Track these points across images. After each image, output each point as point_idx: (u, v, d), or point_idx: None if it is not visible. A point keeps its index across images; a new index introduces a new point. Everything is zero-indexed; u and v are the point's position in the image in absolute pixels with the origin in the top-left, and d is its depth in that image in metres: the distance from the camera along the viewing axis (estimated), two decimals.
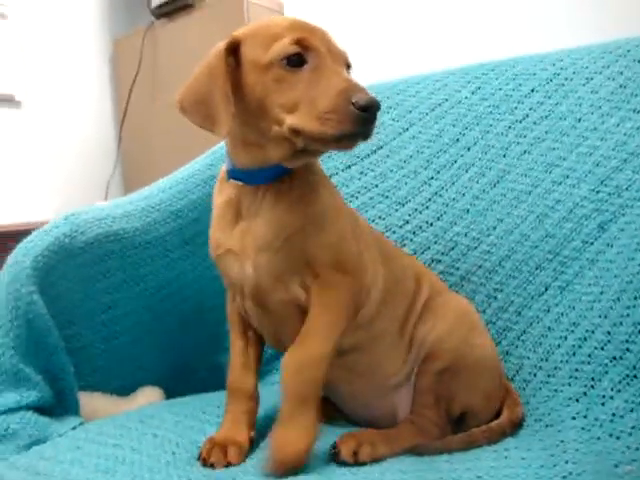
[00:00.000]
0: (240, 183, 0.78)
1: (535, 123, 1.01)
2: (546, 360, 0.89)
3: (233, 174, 0.78)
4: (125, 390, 1.04)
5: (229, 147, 0.78)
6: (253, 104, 0.72)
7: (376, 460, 0.74)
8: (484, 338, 0.86)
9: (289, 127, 0.68)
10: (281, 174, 0.76)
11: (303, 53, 0.69)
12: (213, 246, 0.82)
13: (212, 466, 0.73)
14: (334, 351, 0.74)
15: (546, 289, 0.92)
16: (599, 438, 0.74)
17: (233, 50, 0.74)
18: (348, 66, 0.74)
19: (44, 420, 0.85)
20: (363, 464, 0.73)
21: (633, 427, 0.74)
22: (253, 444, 0.79)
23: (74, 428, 0.87)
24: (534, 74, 1.04)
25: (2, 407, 0.82)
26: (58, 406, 0.91)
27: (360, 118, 0.64)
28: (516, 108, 1.03)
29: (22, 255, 0.89)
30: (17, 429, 0.82)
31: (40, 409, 0.87)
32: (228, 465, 0.74)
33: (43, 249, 0.90)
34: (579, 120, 0.97)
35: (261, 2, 2.29)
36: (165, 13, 2.38)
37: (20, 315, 0.85)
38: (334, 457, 0.74)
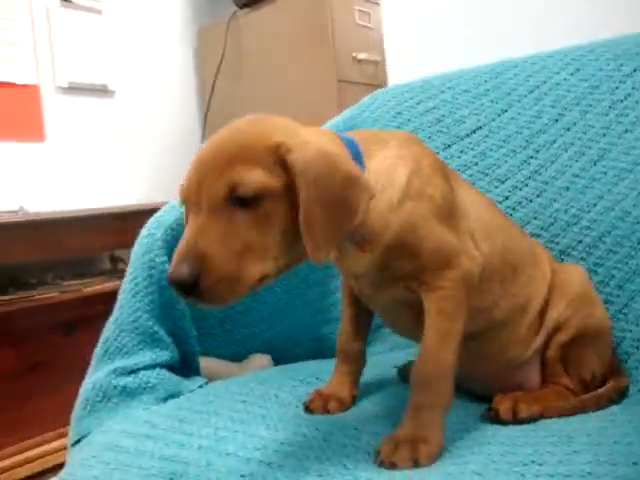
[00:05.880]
0: None
1: (638, 102, 1.02)
2: None
3: None
4: (236, 357, 1.11)
5: None
6: None
7: (532, 418, 0.77)
8: (602, 308, 0.88)
9: None
10: None
11: (184, 206, 0.68)
12: None
13: (312, 412, 0.81)
14: (458, 354, 0.72)
15: None
16: None
17: None
18: (233, 190, 0.61)
19: (176, 378, 0.94)
20: (521, 421, 0.76)
21: None
22: (355, 401, 0.86)
23: (201, 386, 0.95)
24: (637, 53, 1.05)
25: (142, 364, 0.91)
26: (183, 367, 1.00)
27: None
28: (617, 88, 1.05)
29: (154, 228, 0.97)
30: (155, 383, 0.91)
31: (171, 368, 0.96)
32: (326, 413, 0.81)
33: (172, 222, 0.98)
34: None
35: None
36: (248, 3, 2.46)
37: (154, 282, 0.94)
38: (492, 418, 0.77)
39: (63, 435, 1.79)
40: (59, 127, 2.29)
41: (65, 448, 0.91)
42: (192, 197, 0.63)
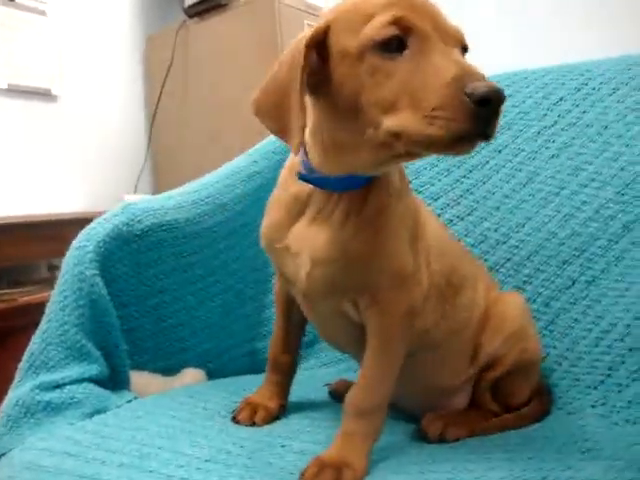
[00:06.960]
0: (311, 186, 0.71)
1: (563, 129, 1.07)
2: (571, 350, 0.94)
3: (305, 176, 0.70)
4: (170, 370, 1.09)
5: (312, 150, 0.69)
6: (344, 103, 0.60)
7: (456, 440, 0.78)
8: (536, 341, 0.88)
9: (388, 131, 0.57)
10: (361, 183, 0.68)
11: (402, 35, 0.56)
12: (267, 237, 0.77)
13: (238, 422, 0.82)
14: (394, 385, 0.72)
15: (573, 283, 0.98)
16: (617, 424, 0.80)
17: (320, 40, 0.61)
18: (464, 48, 0.60)
19: (104, 392, 0.92)
20: (446, 442, 0.77)
21: None
22: (283, 411, 0.87)
23: (129, 401, 0.93)
24: (563, 84, 1.11)
25: (68, 378, 0.89)
26: (111, 381, 0.98)
27: (478, 114, 0.51)
28: (545, 115, 1.10)
29: (85, 240, 0.96)
30: (81, 398, 0.88)
31: (99, 382, 0.94)
32: (253, 424, 0.82)
33: (104, 235, 0.96)
34: (605, 127, 1.03)
35: (292, 3, 2.35)
36: (198, 12, 2.45)
37: (84, 295, 0.92)
38: (421, 437, 0.78)
39: None
40: None
41: None
42: (434, 26, 0.57)
